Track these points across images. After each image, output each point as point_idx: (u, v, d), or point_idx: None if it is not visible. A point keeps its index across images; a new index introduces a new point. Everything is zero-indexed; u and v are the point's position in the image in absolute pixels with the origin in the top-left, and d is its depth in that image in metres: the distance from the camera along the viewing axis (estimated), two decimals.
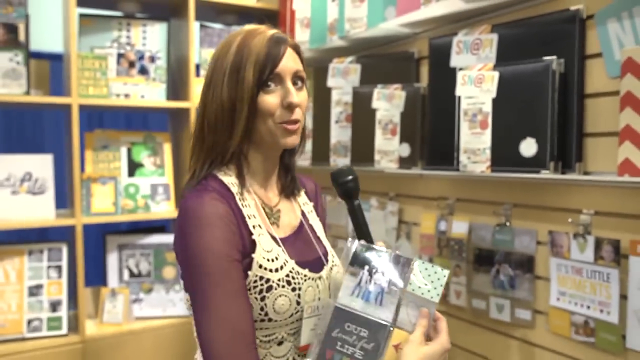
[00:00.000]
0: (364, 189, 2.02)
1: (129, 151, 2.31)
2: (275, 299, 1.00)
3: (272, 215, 1.08)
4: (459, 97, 1.47)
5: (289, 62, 1.02)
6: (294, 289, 1.02)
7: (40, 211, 2.09)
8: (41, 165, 2.10)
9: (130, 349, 2.19)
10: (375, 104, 1.78)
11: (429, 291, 0.99)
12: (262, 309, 0.99)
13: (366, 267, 1.01)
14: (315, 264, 1.11)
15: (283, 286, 1.01)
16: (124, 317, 2.21)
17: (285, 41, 1.03)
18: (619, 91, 1.15)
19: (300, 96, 1.03)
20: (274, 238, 1.05)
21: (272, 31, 1.03)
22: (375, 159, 1.79)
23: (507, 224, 1.50)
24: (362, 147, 1.84)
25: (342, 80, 1.94)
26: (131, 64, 2.28)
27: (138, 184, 2.28)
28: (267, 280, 1.00)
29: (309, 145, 2.14)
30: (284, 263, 1.03)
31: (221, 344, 0.91)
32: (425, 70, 1.73)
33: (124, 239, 2.35)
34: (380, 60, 1.88)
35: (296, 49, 1.06)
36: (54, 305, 2.10)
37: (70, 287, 2.18)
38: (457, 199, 1.66)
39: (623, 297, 1.22)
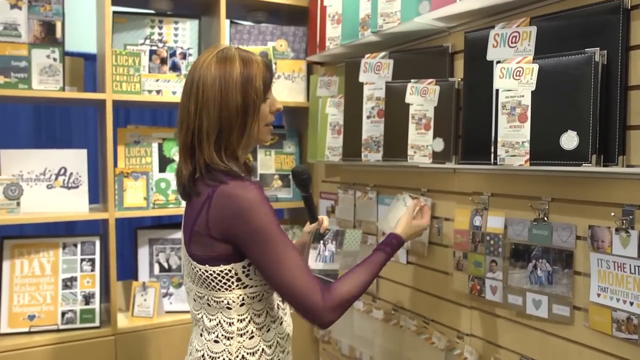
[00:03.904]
0: (396, 184, 2.02)
1: (160, 147, 2.34)
2: None
3: None
4: (497, 91, 1.46)
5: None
6: None
7: (75, 205, 2.12)
8: (75, 160, 2.13)
9: (161, 342, 2.21)
10: (409, 98, 1.77)
11: (353, 246, 1.61)
12: None
13: (321, 242, 1.57)
14: None
15: None
16: (154, 311, 2.24)
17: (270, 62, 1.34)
18: None
19: None
20: None
21: (253, 53, 1.28)
22: (409, 154, 1.78)
23: (545, 218, 1.48)
24: (395, 142, 1.83)
25: (374, 76, 1.94)
26: (163, 61, 2.30)
27: (169, 179, 2.30)
28: None
29: (339, 141, 2.14)
30: None
31: (303, 279, 1.20)
32: (459, 65, 1.71)
33: (154, 234, 2.37)
34: (413, 55, 1.87)
35: None
36: (87, 298, 2.14)
37: (103, 281, 2.22)
38: (492, 193, 1.64)
39: None
